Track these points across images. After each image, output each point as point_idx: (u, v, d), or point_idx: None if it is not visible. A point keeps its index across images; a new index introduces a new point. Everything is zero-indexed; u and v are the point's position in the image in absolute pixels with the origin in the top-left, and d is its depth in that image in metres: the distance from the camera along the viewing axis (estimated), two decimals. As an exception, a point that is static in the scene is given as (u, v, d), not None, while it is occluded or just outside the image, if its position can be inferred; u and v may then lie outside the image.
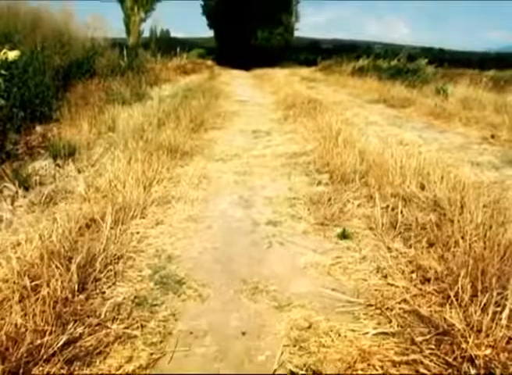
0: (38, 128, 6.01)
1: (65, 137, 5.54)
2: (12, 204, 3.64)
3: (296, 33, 36.30)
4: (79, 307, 2.25)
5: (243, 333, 2.17)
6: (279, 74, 21.31)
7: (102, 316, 2.22)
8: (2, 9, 9.28)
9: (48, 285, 2.27)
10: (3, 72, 5.38)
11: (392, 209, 3.51)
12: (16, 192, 3.82)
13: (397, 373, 1.86)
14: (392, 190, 3.87)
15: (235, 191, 4.31)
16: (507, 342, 1.95)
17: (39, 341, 1.90)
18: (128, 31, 32.47)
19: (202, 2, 44.67)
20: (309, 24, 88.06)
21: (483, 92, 11.12)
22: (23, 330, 1.95)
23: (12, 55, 5.53)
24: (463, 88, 11.61)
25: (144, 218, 3.51)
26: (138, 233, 3.23)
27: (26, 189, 3.94)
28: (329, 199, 3.81)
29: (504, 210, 3.41)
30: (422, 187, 3.97)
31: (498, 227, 3.02)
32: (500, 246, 2.66)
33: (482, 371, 1.81)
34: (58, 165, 4.69)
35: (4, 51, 5.53)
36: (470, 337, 1.96)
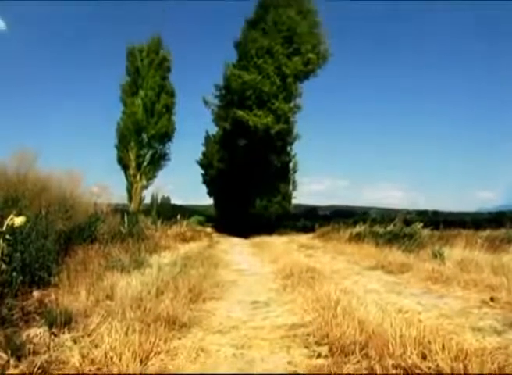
0: (36, 293, 6.01)
1: (62, 303, 5.53)
2: (1, 374, 3.54)
3: (294, 201, 37.47)
4: None
5: None
6: (278, 242, 21.67)
7: None
8: (12, 176, 9.73)
9: None
10: (8, 237, 5.52)
11: (395, 381, 3.42)
12: (8, 361, 3.73)
13: None
14: (393, 361, 3.79)
15: (233, 365, 4.20)
16: None
17: None
18: (130, 197, 33.74)
19: (202, 171, 47.01)
20: (307, 192, 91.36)
21: (479, 253, 11.24)
22: None
23: (19, 221, 5.71)
24: (459, 250, 11.75)
25: (139, 394, 3.40)
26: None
27: (19, 358, 3.84)
28: (329, 372, 3.71)
29: (510, 380, 3.33)
30: (424, 357, 3.89)
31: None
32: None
33: None
34: (53, 333, 4.60)
35: (11, 216, 5.72)
36: None
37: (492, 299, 6.86)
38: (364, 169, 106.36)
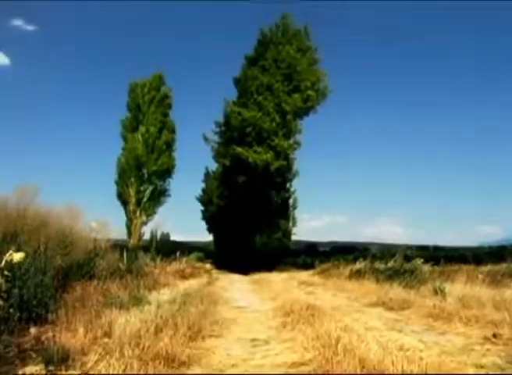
0: (32, 330, 5.95)
1: (59, 341, 5.46)
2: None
3: (294, 237, 37.39)
4: None
5: None
6: (277, 279, 21.58)
7: None
8: (12, 211, 9.75)
9: None
10: (6, 273, 5.49)
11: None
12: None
13: None
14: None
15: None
16: None
17: None
18: (129, 233, 33.75)
19: (202, 208, 46.99)
20: (307, 228, 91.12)
21: (481, 288, 11.18)
22: None
23: (17, 257, 5.69)
24: (460, 286, 11.71)
25: None
26: None
27: (14, 397, 3.78)
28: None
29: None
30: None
31: None
32: None
33: None
34: (49, 371, 4.54)
35: (10, 252, 5.70)
36: None
37: (494, 335, 6.78)
38: (363, 205, 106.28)
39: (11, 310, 5.63)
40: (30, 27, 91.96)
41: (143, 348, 5.48)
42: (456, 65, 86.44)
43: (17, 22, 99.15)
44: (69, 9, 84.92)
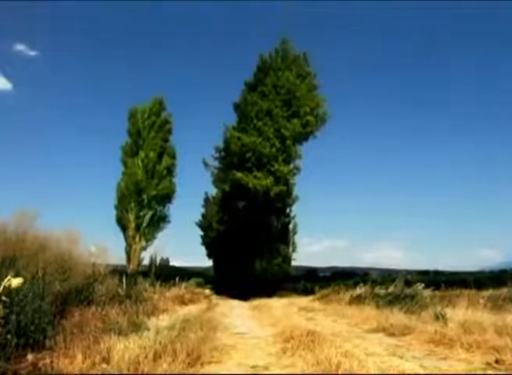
0: (30, 356, 5.88)
1: (56, 367, 5.42)
2: None
3: (294, 262, 37.25)
4: None
5: None
6: (277, 304, 21.47)
7: None
8: (11, 235, 9.74)
9: None
10: (4, 298, 5.46)
11: None
12: None
13: None
14: None
15: None
16: None
17: None
18: (128, 259, 33.61)
19: (202, 233, 46.81)
20: (307, 253, 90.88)
21: (482, 314, 11.11)
22: None
23: (16, 282, 5.67)
24: (461, 311, 11.62)
25: None
26: None
27: None
28: None
29: None
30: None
31: None
32: None
33: None
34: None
35: (8, 278, 5.68)
36: None
37: (496, 361, 6.70)
38: (363, 229, 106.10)
39: (8, 336, 5.58)
40: (32, 52, 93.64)
41: (141, 374, 5.43)
42: (456, 90, 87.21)
43: (20, 47, 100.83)
44: (71, 35, 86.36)
